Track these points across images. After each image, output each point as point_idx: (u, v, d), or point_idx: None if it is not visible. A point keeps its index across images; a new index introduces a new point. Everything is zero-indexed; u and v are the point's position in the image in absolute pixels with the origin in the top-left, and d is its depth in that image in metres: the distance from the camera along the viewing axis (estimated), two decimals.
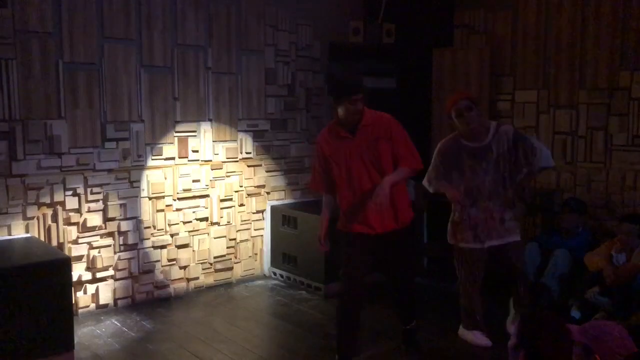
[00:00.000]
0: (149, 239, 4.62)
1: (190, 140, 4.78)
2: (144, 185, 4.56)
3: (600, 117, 4.65)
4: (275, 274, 5.25)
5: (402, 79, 5.16)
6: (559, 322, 1.99)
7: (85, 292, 4.33)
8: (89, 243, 4.33)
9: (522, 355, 1.92)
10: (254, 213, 5.21)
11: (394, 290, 3.56)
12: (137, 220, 4.54)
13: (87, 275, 4.33)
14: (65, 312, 3.47)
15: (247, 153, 5.13)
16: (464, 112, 3.59)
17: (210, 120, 4.89)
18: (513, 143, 3.61)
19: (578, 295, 4.05)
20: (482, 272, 3.81)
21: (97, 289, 4.37)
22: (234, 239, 5.11)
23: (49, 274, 3.39)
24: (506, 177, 3.66)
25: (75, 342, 3.54)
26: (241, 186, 5.12)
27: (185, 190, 4.77)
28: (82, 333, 3.95)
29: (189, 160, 4.79)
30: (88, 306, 4.34)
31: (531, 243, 4.52)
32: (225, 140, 4.99)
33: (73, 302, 3.79)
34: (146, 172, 4.57)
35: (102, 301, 4.39)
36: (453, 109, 3.63)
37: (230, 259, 5.11)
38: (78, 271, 4.26)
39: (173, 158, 4.70)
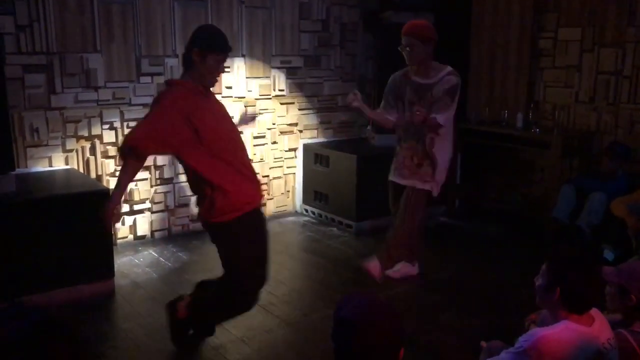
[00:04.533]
0: (184, 173, 4.68)
1: (223, 76, 4.76)
2: None
3: None
4: (307, 210, 5.32)
5: (441, 13, 4.97)
6: (588, 258, 1.97)
7: (123, 224, 4.46)
8: None
9: (558, 292, 1.91)
10: (286, 151, 5.23)
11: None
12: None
13: (125, 208, 4.45)
14: (106, 241, 3.60)
15: (280, 90, 5.09)
16: (404, 49, 3.48)
17: (243, 55, 4.84)
18: (442, 94, 3.48)
19: (612, 238, 4.00)
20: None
21: (134, 221, 4.51)
22: (267, 176, 5.16)
23: (89, 204, 3.49)
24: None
25: (115, 270, 3.69)
26: (274, 124, 5.12)
27: None
28: (122, 262, 4.10)
29: (222, 97, 4.78)
30: (126, 237, 4.50)
31: (567, 185, 4.45)
32: (259, 77, 4.95)
33: (112, 232, 3.92)
34: None
35: (139, 232, 4.54)
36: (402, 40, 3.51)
37: (263, 195, 5.17)
38: None
39: None
